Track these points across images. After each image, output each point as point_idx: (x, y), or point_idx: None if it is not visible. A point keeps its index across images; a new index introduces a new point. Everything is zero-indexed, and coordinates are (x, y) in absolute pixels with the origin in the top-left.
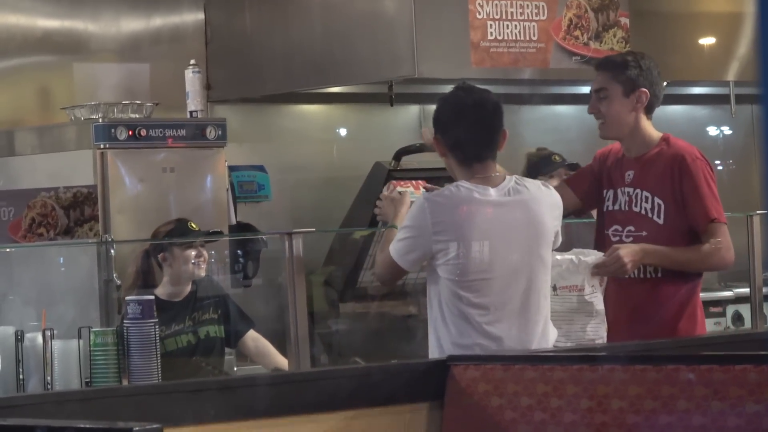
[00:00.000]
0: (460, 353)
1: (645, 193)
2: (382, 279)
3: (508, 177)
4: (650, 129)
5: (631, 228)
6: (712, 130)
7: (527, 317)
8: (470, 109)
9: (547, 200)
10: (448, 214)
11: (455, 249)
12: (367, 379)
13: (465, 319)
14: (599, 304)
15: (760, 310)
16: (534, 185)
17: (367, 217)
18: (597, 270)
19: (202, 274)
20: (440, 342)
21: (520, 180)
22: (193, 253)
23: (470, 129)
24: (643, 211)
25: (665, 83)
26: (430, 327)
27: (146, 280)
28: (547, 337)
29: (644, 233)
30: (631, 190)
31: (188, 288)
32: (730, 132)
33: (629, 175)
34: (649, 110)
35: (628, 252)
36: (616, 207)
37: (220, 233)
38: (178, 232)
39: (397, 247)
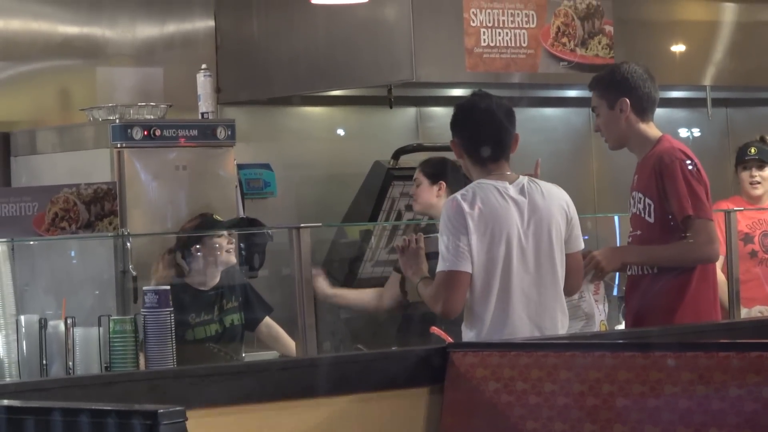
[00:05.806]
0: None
1: (639, 195)
2: (446, 305)
3: (521, 176)
4: (649, 131)
5: (631, 229)
6: (683, 132)
7: (544, 306)
8: (483, 112)
9: (557, 197)
10: (476, 206)
11: (482, 239)
12: (372, 364)
13: (490, 310)
14: (588, 308)
15: (737, 300)
16: (545, 184)
17: (367, 212)
18: None
19: (233, 259)
20: (473, 334)
21: (532, 180)
22: (224, 241)
23: (483, 130)
24: (638, 212)
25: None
26: (465, 319)
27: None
28: (564, 324)
29: (639, 232)
30: (635, 193)
31: (218, 277)
32: (699, 134)
33: (635, 178)
34: (641, 113)
35: (601, 253)
36: (631, 211)
37: (246, 220)
38: (206, 225)
39: (445, 257)
